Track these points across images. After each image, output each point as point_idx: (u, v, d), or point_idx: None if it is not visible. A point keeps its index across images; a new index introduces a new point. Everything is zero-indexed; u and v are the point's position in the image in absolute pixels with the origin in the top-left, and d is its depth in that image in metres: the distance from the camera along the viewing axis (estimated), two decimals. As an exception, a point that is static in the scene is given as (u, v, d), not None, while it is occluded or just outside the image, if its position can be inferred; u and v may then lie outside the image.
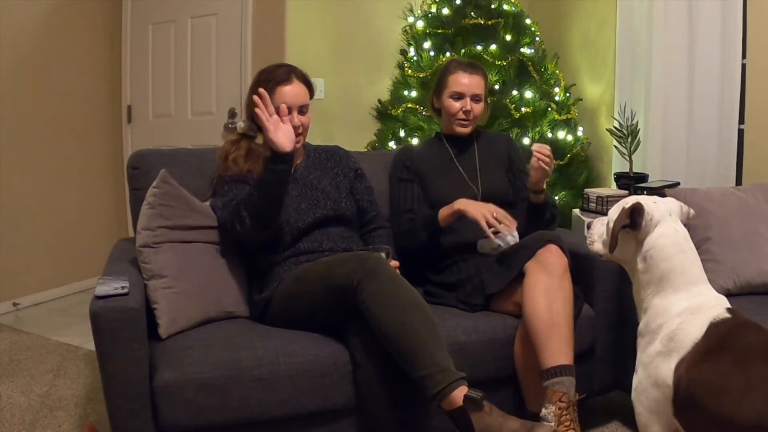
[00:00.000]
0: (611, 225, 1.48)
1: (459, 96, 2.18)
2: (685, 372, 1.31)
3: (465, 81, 2.17)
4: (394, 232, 2.15)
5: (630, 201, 1.47)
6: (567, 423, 1.60)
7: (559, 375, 1.66)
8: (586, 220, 2.68)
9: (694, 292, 1.39)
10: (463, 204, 1.99)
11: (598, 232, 1.58)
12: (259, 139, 2.03)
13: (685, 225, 1.48)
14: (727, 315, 1.35)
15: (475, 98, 2.18)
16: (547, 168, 1.96)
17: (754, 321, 1.36)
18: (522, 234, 2.03)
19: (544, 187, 2.06)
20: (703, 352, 1.30)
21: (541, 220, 2.12)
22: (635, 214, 1.43)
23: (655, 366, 1.37)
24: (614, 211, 1.49)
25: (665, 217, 1.44)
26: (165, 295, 1.71)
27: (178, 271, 1.75)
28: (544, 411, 1.63)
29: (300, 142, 1.96)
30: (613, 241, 1.45)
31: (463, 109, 2.17)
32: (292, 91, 1.92)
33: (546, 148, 1.95)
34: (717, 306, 1.37)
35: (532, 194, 2.07)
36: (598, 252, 1.58)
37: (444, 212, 2.04)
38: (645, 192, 2.38)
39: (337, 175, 2.09)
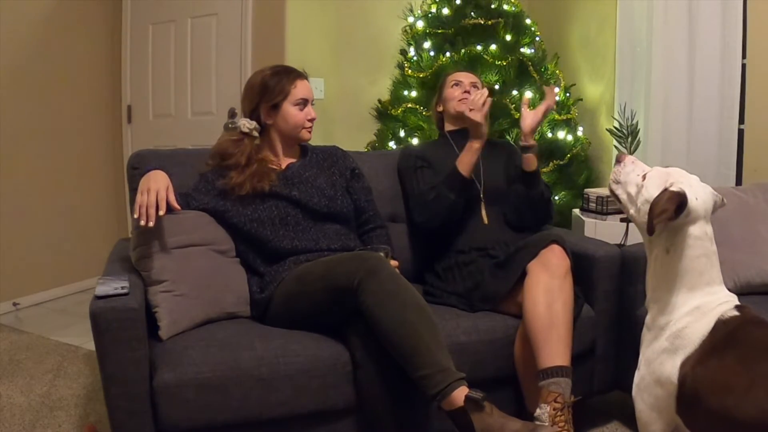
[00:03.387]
0: (645, 195, 1.38)
1: (458, 83, 2.31)
2: (690, 369, 1.30)
3: (461, 74, 2.34)
4: (418, 214, 2.17)
5: (676, 184, 1.36)
6: (561, 424, 1.60)
7: (555, 376, 1.66)
8: (586, 220, 2.68)
9: (707, 291, 1.38)
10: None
11: (626, 177, 1.46)
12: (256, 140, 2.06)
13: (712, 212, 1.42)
14: (736, 312, 1.34)
15: (474, 86, 2.29)
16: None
17: (762, 318, 1.35)
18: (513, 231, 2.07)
19: (534, 141, 2.08)
20: (710, 349, 1.30)
21: (533, 192, 2.11)
22: (678, 210, 1.34)
23: (660, 363, 1.36)
24: (655, 185, 1.39)
25: (700, 219, 1.37)
26: (165, 298, 1.71)
27: (177, 274, 1.75)
28: (538, 411, 1.63)
29: (312, 132, 2.07)
30: (651, 228, 1.35)
31: (464, 91, 2.28)
32: (307, 85, 2.05)
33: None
34: (726, 303, 1.36)
35: (524, 156, 2.08)
36: (618, 196, 1.48)
37: (461, 159, 2.08)
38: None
39: (333, 174, 2.09)
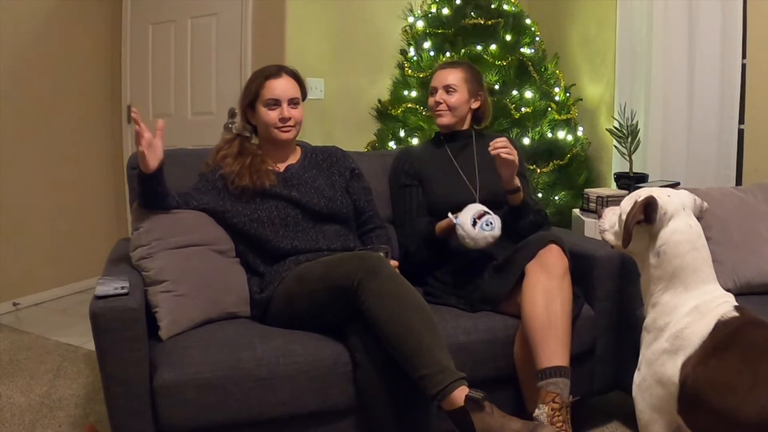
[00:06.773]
0: (624, 217, 1.45)
1: (434, 90, 2.23)
2: (692, 369, 1.31)
3: (439, 76, 2.24)
4: (401, 245, 2.18)
5: (643, 194, 1.44)
6: (559, 424, 1.60)
7: (553, 376, 1.66)
8: (586, 220, 2.68)
9: (704, 291, 1.38)
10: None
11: (609, 221, 1.56)
12: (254, 140, 2.08)
13: (697, 218, 1.46)
14: (735, 313, 1.34)
15: (448, 89, 2.20)
16: (509, 157, 1.92)
17: (762, 319, 1.36)
18: (510, 240, 2.03)
19: (517, 183, 2.01)
20: (711, 350, 1.30)
21: (521, 224, 2.08)
22: (649, 209, 1.41)
23: (661, 363, 1.37)
24: (627, 203, 1.47)
25: (679, 212, 1.42)
26: (165, 298, 1.72)
27: (177, 274, 1.76)
28: (537, 411, 1.63)
29: (292, 133, 2.00)
30: (626, 237, 1.42)
31: (435, 100, 2.21)
32: (281, 83, 1.98)
33: (501, 141, 1.93)
34: (725, 304, 1.37)
35: (509, 196, 2.05)
36: (609, 242, 1.56)
37: (440, 226, 2.04)
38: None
39: (332, 174, 2.09)
